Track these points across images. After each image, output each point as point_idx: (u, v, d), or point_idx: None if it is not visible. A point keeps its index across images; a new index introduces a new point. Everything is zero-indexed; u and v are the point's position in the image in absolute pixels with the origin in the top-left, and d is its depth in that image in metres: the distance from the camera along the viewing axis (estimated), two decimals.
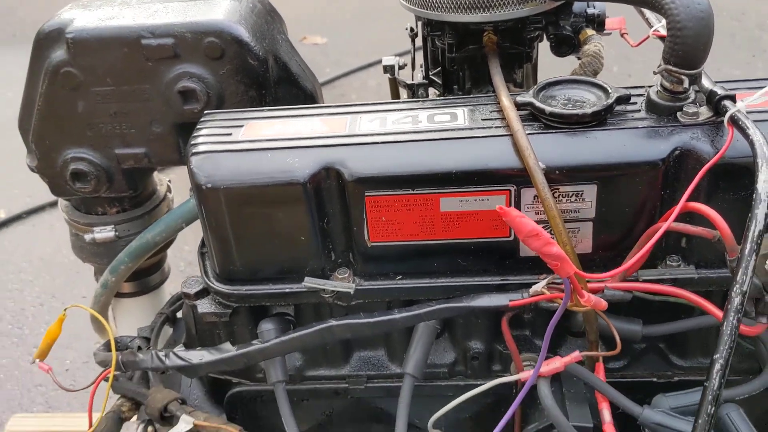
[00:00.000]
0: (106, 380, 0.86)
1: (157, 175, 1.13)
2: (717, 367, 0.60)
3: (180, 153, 0.97)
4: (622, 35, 0.97)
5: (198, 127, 0.79)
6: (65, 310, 0.86)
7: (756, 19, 3.57)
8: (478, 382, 0.79)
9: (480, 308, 0.74)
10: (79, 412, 2.12)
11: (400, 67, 1.02)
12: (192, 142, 0.77)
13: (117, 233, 1.06)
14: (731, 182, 0.70)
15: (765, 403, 0.83)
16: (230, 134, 0.77)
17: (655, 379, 0.83)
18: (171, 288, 1.21)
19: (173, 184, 1.17)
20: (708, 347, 0.82)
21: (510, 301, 0.73)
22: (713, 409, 0.60)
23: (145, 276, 1.15)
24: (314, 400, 0.89)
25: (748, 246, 0.60)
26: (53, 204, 2.83)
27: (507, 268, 0.77)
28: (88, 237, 1.05)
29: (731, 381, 0.76)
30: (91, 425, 0.85)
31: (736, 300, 0.60)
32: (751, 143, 0.63)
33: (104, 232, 1.05)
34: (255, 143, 0.75)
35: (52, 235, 2.63)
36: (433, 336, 0.80)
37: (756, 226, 0.60)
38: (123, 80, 0.92)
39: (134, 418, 0.89)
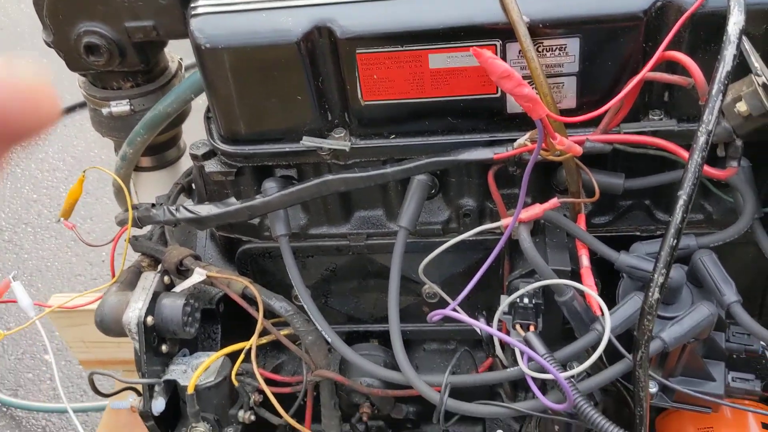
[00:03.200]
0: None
1: (168, 53, 1.17)
2: (680, 202, 0.64)
3: (186, 25, 1.00)
4: None
5: None
6: (84, 171, 0.93)
7: None
8: (466, 237, 0.84)
9: (466, 161, 0.78)
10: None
11: None
12: (192, 5, 0.80)
13: (132, 107, 1.10)
14: (711, 33, 0.71)
15: (743, 256, 0.86)
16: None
17: (638, 233, 0.87)
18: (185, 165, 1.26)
19: None
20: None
21: (494, 154, 0.77)
22: (675, 241, 0.64)
23: (163, 150, 1.20)
24: (318, 256, 0.95)
25: (715, 87, 0.62)
26: (82, 105, 2.91)
27: (495, 125, 0.80)
28: (105, 111, 1.10)
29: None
30: (113, 277, 0.93)
31: (702, 139, 0.63)
32: None
33: (120, 106, 1.10)
34: (251, 4, 0.78)
35: (83, 134, 2.71)
36: (426, 192, 0.84)
37: (724, 67, 0.62)
38: None
39: None
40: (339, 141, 0.82)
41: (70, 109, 2.74)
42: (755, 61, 0.63)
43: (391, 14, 0.75)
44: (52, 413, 1.96)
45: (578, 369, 0.70)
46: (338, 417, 0.92)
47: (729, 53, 0.62)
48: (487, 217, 0.89)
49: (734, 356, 0.83)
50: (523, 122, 0.78)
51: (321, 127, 0.82)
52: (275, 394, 0.89)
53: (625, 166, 0.82)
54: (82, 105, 2.74)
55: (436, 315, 0.75)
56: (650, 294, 0.67)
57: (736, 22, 0.62)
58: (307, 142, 0.81)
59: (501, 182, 0.83)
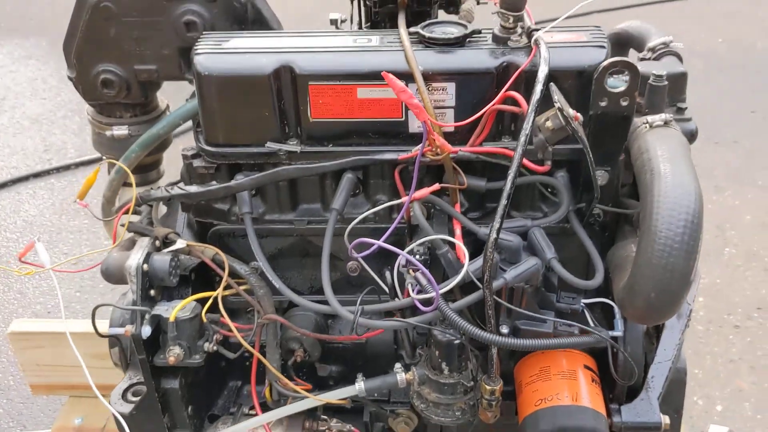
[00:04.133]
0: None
1: (160, 97, 1.52)
2: (507, 188, 1.01)
3: (181, 70, 1.36)
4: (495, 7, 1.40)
5: (200, 39, 1.19)
6: (99, 163, 1.25)
7: None
8: (382, 225, 1.19)
9: (381, 160, 1.15)
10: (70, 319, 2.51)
11: (342, 21, 1.44)
12: (195, 48, 1.17)
13: (129, 132, 1.44)
14: (532, 81, 1.10)
15: (570, 245, 1.24)
16: (221, 44, 1.17)
17: None
18: None
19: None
20: (534, 201, 1.23)
21: (399, 156, 1.14)
22: (504, 210, 1.01)
23: (147, 171, 1.53)
24: (270, 237, 1.28)
25: (531, 106, 1.01)
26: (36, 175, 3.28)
27: (401, 140, 1.17)
28: (108, 133, 1.44)
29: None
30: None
31: (522, 139, 1.01)
32: (539, 54, 1.05)
33: (120, 130, 1.44)
34: (238, 49, 1.16)
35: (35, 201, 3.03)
36: (352, 186, 1.19)
37: (535, 96, 1.02)
38: (145, 13, 1.31)
39: None
40: (293, 146, 1.17)
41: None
42: (555, 94, 1.03)
43: (333, 60, 1.14)
44: None
45: (445, 287, 1.05)
46: (278, 353, 1.23)
47: (538, 88, 1.02)
48: (396, 210, 1.24)
49: (562, 312, 1.19)
50: (420, 139, 1.15)
51: (280, 136, 1.18)
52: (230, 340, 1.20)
53: (488, 176, 1.20)
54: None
55: (360, 241, 1.08)
56: (490, 243, 1.03)
57: (543, 71, 1.03)
58: (271, 145, 1.17)
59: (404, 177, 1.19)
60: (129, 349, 1.27)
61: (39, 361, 2.18)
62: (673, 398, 1.36)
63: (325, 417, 1.31)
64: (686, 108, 1.19)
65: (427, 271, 1.05)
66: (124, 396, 1.23)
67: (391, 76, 1.03)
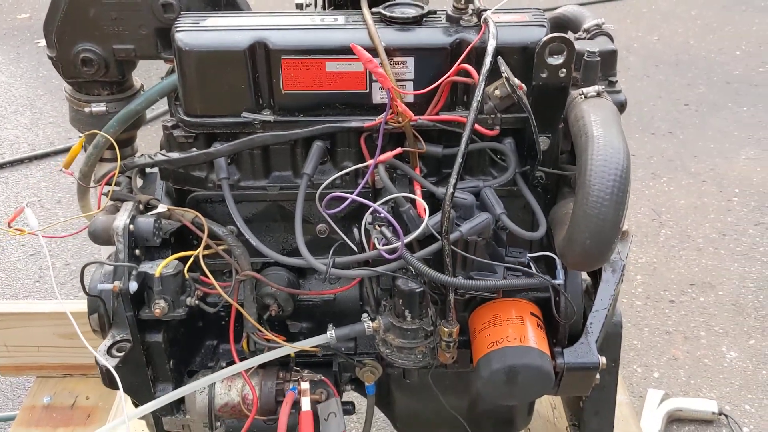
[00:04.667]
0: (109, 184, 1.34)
1: (135, 78, 1.60)
2: (462, 147, 1.15)
3: (157, 50, 1.45)
4: None
5: (179, 18, 1.29)
6: (84, 134, 1.33)
7: None
8: (349, 190, 1.31)
9: (348, 128, 1.27)
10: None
11: (307, 5, 1.55)
12: (176, 25, 1.27)
13: (107, 109, 1.52)
14: (483, 55, 1.24)
15: (518, 204, 1.37)
16: (199, 23, 1.28)
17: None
18: None
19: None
20: (484, 167, 1.36)
21: (365, 124, 1.26)
22: (460, 168, 1.14)
23: (122, 147, 1.62)
24: (245, 203, 1.38)
25: (481, 76, 1.15)
26: None
27: (366, 110, 1.29)
28: (86, 110, 1.52)
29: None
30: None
31: (474, 104, 1.15)
32: (488, 31, 1.19)
33: (98, 107, 1.52)
34: (215, 27, 1.26)
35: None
36: (322, 154, 1.31)
37: (485, 67, 1.15)
38: None
39: None
40: (266, 116, 1.28)
41: None
42: (502, 65, 1.17)
43: (304, 36, 1.25)
44: None
45: (408, 238, 1.17)
46: (255, 306, 1.34)
47: (488, 60, 1.15)
48: (361, 176, 1.36)
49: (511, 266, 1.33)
50: (382, 110, 1.28)
51: (255, 107, 1.29)
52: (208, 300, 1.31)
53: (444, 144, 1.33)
54: None
55: (333, 195, 1.20)
56: (448, 196, 1.16)
57: (491, 45, 1.16)
58: (246, 115, 1.28)
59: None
60: (112, 309, 1.35)
61: (7, 342, 2.23)
62: (610, 349, 1.52)
63: (297, 368, 1.42)
64: (617, 81, 1.34)
65: (393, 220, 1.17)
66: (108, 352, 1.32)
67: (359, 47, 1.16)
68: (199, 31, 1.25)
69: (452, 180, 1.16)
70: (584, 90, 1.23)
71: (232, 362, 1.37)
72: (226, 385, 1.37)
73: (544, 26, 1.25)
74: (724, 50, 4.67)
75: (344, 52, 1.23)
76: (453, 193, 1.16)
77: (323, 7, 1.51)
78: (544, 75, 1.21)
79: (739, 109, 4.06)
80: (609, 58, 1.34)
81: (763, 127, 3.88)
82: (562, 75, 1.20)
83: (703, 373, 2.53)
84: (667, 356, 2.60)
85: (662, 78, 4.36)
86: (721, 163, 3.61)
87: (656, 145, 3.73)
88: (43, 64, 4.41)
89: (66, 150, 3.58)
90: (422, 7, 1.28)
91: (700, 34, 4.87)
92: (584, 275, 1.47)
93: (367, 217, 1.24)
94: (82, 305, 1.37)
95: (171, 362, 1.36)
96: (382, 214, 1.21)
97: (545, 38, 1.19)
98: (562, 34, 1.18)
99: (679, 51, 4.68)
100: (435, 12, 1.28)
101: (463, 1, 1.25)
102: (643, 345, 2.66)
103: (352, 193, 1.24)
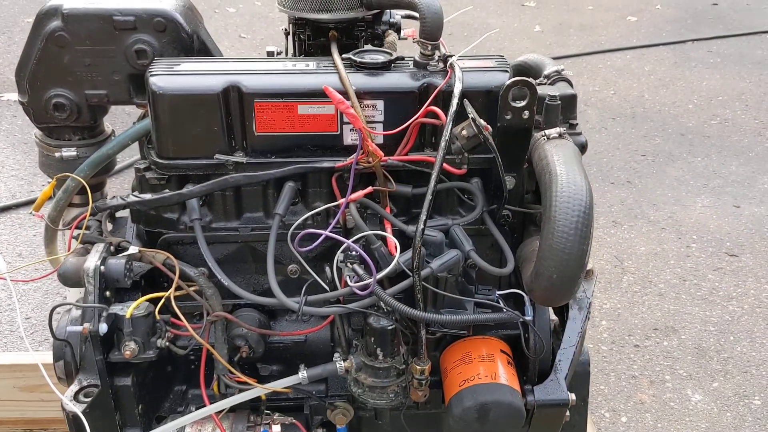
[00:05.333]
0: (79, 228, 1.34)
1: (106, 124, 1.62)
2: (431, 185, 1.18)
3: (130, 95, 1.47)
4: (414, 41, 1.60)
5: (153, 64, 1.32)
6: (55, 178, 1.34)
7: None
8: (319, 231, 1.33)
9: (319, 168, 1.29)
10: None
11: (278, 53, 1.60)
12: (150, 70, 1.29)
13: (77, 154, 1.53)
14: (449, 98, 1.28)
15: (486, 243, 1.41)
16: (173, 67, 1.30)
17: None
18: None
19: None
20: (453, 206, 1.40)
21: (336, 164, 1.29)
22: (430, 205, 1.18)
23: (93, 192, 1.61)
24: (216, 244, 1.39)
25: (449, 117, 1.19)
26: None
27: (337, 151, 1.32)
28: (57, 155, 1.52)
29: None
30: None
31: (443, 143, 1.19)
32: (455, 74, 1.24)
33: (69, 152, 1.53)
34: (189, 71, 1.29)
35: None
36: (294, 194, 1.33)
37: (452, 108, 1.20)
38: (97, 42, 1.42)
39: None
40: (239, 158, 1.31)
41: None
42: (468, 107, 1.22)
43: (277, 81, 1.29)
44: None
45: (380, 274, 1.19)
46: (226, 348, 1.33)
47: (455, 102, 1.20)
48: (332, 216, 1.38)
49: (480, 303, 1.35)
50: (353, 151, 1.31)
51: (227, 149, 1.31)
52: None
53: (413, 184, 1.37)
54: None
55: (307, 232, 1.21)
56: (419, 232, 1.19)
57: (458, 87, 1.21)
58: (219, 156, 1.30)
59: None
60: (79, 354, 1.33)
61: None
62: (579, 387, 1.54)
63: (268, 411, 1.41)
64: (577, 124, 1.40)
65: (366, 255, 1.19)
66: (75, 398, 1.30)
67: (331, 89, 1.19)
68: (173, 75, 1.28)
69: (422, 216, 1.19)
70: (547, 132, 1.28)
71: (202, 406, 1.36)
72: (196, 428, 1.35)
73: (507, 71, 1.30)
74: (677, 104, 4.86)
75: (316, 95, 1.27)
76: (423, 230, 1.19)
77: (294, 54, 1.55)
78: (508, 117, 1.26)
79: (694, 159, 4.20)
80: (569, 102, 1.40)
81: (717, 176, 4.02)
82: (526, 117, 1.26)
83: (670, 417, 2.55)
84: (634, 400, 2.62)
85: (619, 130, 4.51)
86: (678, 210, 3.72)
87: (616, 195, 3.83)
88: (5, 118, 4.38)
89: (29, 202, 3.55)
90: (391, 54, 1.33)
91: (654, 89, 5.07)
92: (552, 315, 1.50)
93: (339, 255, 1.26)
94: (45, 357, 1.35)
95: (140, 407, 1.34)
96: (355, 251, 1.23)
97: (509, 81, 1.24)
98: (525, 78, 1.24)
99: (634, 104, 4.85)
100: (403, 58, 1.33)
101: (429, 48, 1.30)
102: (610, 390, 2.68)
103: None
